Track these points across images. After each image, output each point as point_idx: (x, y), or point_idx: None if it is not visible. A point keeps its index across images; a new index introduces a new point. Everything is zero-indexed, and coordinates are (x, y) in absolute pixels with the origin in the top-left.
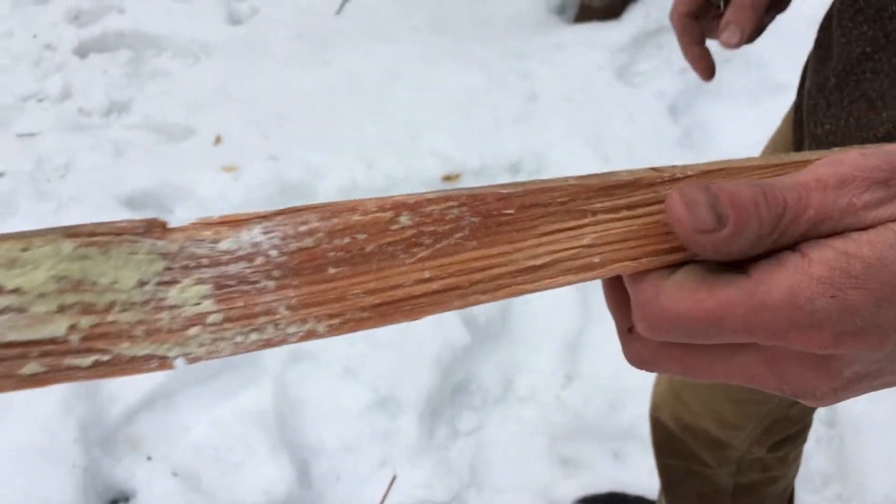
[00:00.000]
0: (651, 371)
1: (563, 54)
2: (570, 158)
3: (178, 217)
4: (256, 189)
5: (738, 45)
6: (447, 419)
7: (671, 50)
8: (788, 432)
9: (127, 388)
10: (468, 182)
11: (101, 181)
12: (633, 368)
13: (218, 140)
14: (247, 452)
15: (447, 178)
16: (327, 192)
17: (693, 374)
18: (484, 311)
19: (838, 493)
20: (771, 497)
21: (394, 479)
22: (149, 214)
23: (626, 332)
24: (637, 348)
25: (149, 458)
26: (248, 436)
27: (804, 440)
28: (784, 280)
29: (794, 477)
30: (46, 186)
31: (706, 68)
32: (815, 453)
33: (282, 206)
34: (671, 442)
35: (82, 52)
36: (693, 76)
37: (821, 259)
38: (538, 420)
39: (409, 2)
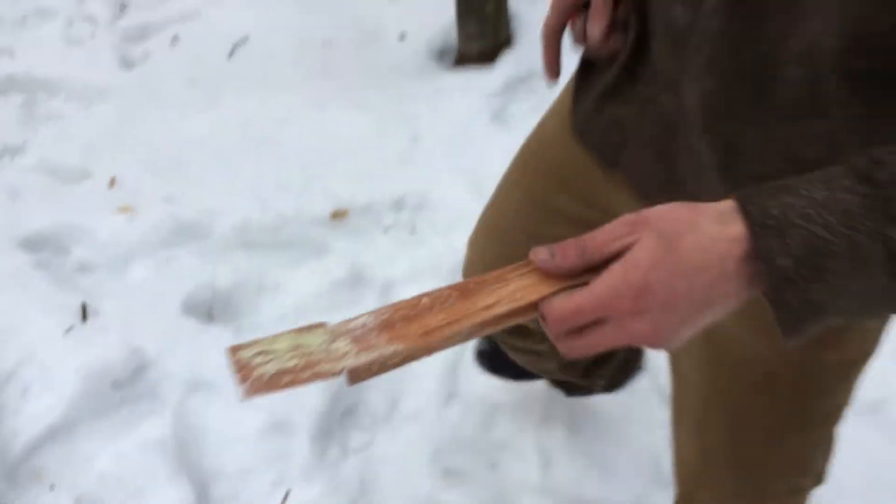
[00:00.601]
0: (573, 354)
1: (443, 98)
2: (451, 196)
3: (77, 255)
4: (152, 229)
5: (600, 34)
6: (338, 439)
7: (541, 94)
8: None
9: (30, 422)
10: (355, 218)
11: None
12: (505, 389)
13: (113, 182)
14: (148, 478)
15: (335, 215)
16: (223, 231)
17: (589, 347)
18: None
19: None
20: None
21: (287, 492)
22: (46, 255)
23: (555, 339)
24: (561, 344)
25: (52, 488)
26: (149, 463)
27: None
28: (602, 282)
29: None
30: None
31: (555, 72)
32: None
33: (177, 246)
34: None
35: None
36: None
37: (614, 269)
38: (422, 436)
39: (299, 48)
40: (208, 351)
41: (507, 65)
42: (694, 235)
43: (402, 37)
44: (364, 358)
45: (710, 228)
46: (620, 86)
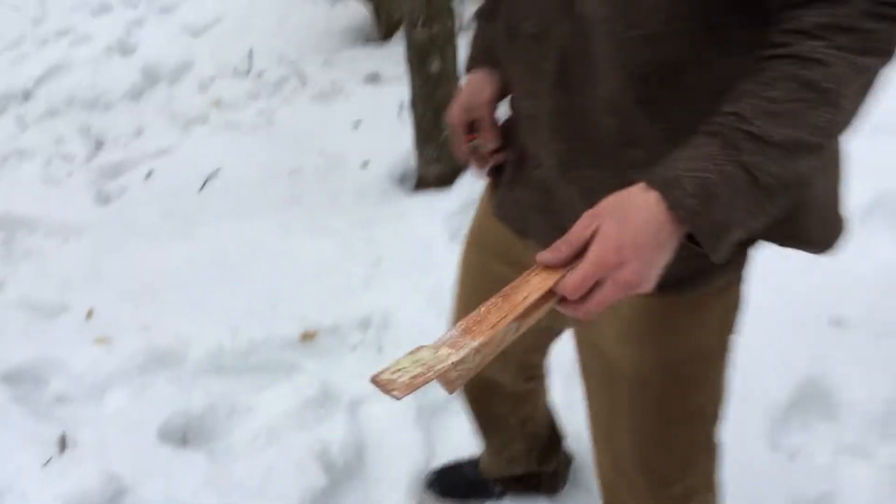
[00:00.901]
0: (590, 314)
1: (404, 221)
2: (414, 314)
3: (55, 387)
4: (129, 359)
5: (493, 148)
6: None
7: None
8: (533, 373)
9: None
10: (324, 340)
11: None
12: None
13: (90, 314)
14: None
15: (305, 337)
16: (196, 357)
17: (600, 302)
18: (341, 454)
19: None
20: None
21: None
22: (25, 389)
23: (574, 310)
24: (579, 310)
25: None
26: None
27: (543, 376)
28: (591, 254)
29: (546, 396)
30: None
31: (490, 173)
32: None
33: (153, 373)
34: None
35: None
36: None
37: (594, 245)
38: None
39: (267, 178)
40: (183, 475)
41: (464, 187)
42: (633, 206)
43: (364, 164)
44: (461, 354)
45: (640, 198)
46: (517, 174)
